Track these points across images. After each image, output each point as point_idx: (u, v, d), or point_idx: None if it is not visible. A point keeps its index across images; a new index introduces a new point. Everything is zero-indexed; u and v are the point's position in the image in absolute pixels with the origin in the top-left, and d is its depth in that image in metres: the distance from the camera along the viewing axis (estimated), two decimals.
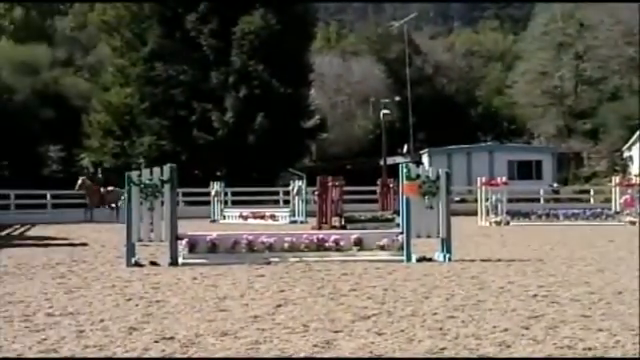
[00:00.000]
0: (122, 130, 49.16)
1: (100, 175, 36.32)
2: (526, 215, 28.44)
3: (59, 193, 38.06)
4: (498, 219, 27.32)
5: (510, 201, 30.56)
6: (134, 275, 11.39)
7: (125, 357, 5.98)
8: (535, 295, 8.96)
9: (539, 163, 51.11)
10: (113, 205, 32.73)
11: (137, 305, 8.49)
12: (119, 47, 50.84)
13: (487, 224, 27.16)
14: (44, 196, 37.00)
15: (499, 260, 13.28)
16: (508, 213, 28.01)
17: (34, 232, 25.93)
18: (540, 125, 67.34)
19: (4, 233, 25.03)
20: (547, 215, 28.59)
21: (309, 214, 29.86)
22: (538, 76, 65.79)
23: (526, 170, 49.44)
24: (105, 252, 15.95)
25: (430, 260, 13.12)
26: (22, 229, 27.62)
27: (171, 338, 6.56)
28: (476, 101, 74.93)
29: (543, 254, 14.62)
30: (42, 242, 20.00)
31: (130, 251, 12.89)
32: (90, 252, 16.07)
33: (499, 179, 29.44)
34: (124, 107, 49.02)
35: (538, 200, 41.22)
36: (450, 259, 13.10)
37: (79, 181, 33.67)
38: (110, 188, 33.13)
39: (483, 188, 28.61)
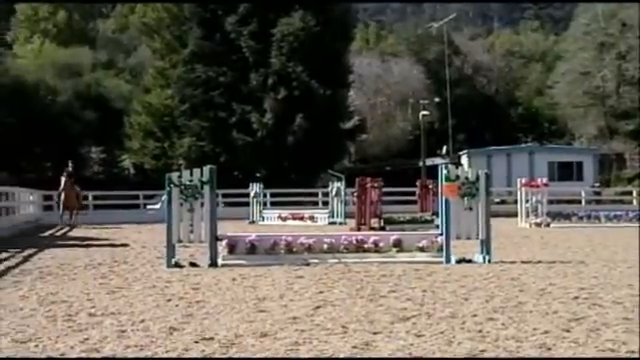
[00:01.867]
0: (162, 131, 49.59)
1: (71, 169, 29.82)
2: (567, 217, 28.17)
3: (101, 194, 38.47)
4: (538, 220, 27.10)
5: (551, 202, 30.30)
6: (174, 276, 11.47)
7: (166, 357, 6.03)
8: (576, 297, 8.88)
9: (580, 164, 50.64)
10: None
11: (177, 305, 8.55)
12: (159, 49, 51.38)
13: (527, 226, 26.94)
14: (86, 197, 37.35)
15: (539, 262, 13.17)
16: (549, 214, 27.78)
17: (76, 233, 26.21)
18: (581, 126, 66.68)
19: (47, 233, 25.34)
20: (588, 217, 28.30)
21: (348, 215, 29.85)
22: (579, 76, 65.07)
23: (567, 171, 49.01)
24: (146, 253, 16.08)
25: (469, 262, 13.05)
26: (65, 229, 27.94)
27: (211, 339, 6.60)
28: (516, 102, 74.46)
29: (584, 256, 14.46)
30: (84, 243, 20.21)
31: (170, 252, 12.97)
32: (131, 253, 16.21)
33: (539, 180, 29.20)
34: (164, 109, 49.46)
35: (579, 202, 40.79)
36: (490, 261, 13.03)
37: (63, 179, 29.19)
38: (77, 187, 30.11)
39: (523, 189, 28.39)
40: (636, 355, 5.98)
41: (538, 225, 26.72)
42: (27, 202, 32.40)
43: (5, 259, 15.07)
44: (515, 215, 28.38)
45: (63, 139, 50.72)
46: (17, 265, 13.69)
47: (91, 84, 60.47)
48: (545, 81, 71.35)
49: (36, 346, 6.39)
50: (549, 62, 75.68)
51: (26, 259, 14.97)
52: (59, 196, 29.94)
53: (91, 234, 24.23)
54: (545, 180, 29.42)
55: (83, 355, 6.09)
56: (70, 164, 29.86)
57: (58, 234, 25.48)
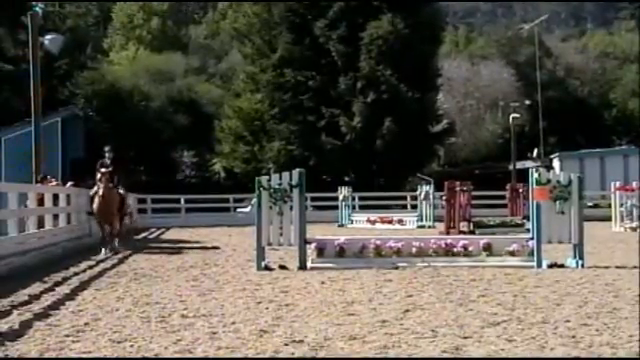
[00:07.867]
0: (252, 135, 50.06)
1: (109, 160, 18.30)
2: None
3: (192, 197, 39.09)
4: (634, 225, 26.45)
5: None
6: (264, 278, 11.60)
7: (256, 359, 6.11)
8: None
9: None
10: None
11: (267, 308, 8.65)
12: (250, 54, 51.88)
13: (622, 230, 26.34)
14: (178, 200, 38.03)
15: (635, 267, 12.86)
16: None
17: (169, 235, 26.73)
18: None
19: (141, 236, 25.89)
20: None
21: (437, 219, 29.68)
22: None
23: None
24: (236, 255, 16.30)
25: (562, 266, 12.84)
26: (158, 232, 28.51)
27: (300, 341, 6.66)
28: (610, 104, 72.68)
29: None
30: (176, 245, 20.61)
31: (260, 255, 13.12)
32: (222, 255, 16.45)
33: (634, 184, 28.52)
34: (254, 113, 49.93)
35: None
36: (583, 265, 12.80)
37: (98, 174, 17.70)
38: (121, 191, 19.05)
39: (617, 193, 27.79)
40: None
41: (633, 229, 26.06)
42: None
43: (101, 261, 15.49)
44: (609, 219, 27.78)
45: (156, 143, 51.74)
46: (113, 267, 14.06)
47: (183, 89, 61.49)
48: None
49: (131, 346, 6.55)
50: None
51: (121, 261, 15.36)
52: (91, 200, 18.55)
53: (183, 237, 24.67)
54: None
55: (176, 356, 6.22)
56: (107, 151, 18.70)
57: (152, 237, 25.99)
